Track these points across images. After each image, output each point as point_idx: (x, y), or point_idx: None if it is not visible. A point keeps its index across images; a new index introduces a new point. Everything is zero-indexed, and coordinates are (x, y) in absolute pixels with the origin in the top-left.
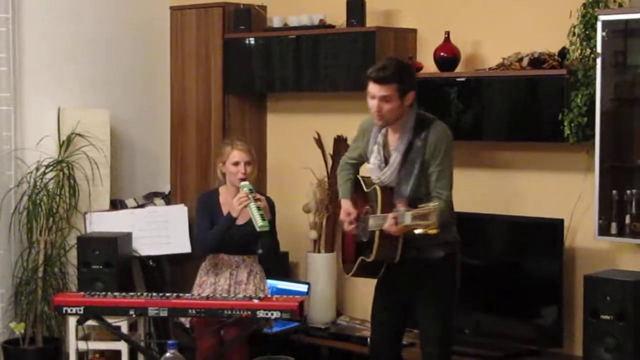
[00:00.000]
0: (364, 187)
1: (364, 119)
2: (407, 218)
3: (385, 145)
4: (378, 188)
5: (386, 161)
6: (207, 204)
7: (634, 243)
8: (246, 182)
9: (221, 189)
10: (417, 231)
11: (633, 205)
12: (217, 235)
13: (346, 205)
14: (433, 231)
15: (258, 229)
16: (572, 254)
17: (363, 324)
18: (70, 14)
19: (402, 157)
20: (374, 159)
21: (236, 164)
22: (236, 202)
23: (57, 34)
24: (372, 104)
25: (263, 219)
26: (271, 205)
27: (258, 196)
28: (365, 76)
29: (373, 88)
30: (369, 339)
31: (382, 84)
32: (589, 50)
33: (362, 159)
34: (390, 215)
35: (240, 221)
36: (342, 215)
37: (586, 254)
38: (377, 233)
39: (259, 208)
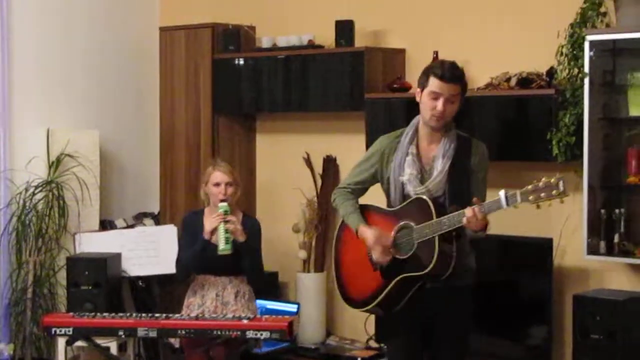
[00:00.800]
0: (384, 208)
1: (381, 140)
2: (518, 197)
3: (418, 156)
4: (427, 199)
5: (422, 171)
6: (190, 224)
7: (622, 262)
8: (224, 204)
9: (206, 210)
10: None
11: (621, 224)
12: (190, 258)
13: (373, 232)
14: (563, 197)
15: (218, 252)
16: (561, 273)
17: (352, 344)
18: (60, 35)
19: (449, 165)
20: (410, 169)
21: (217, 184)
22: (207, 224)
23: (47, 54)
24: (435, 104)
25: (226, 243)
26: (256, 227)
27: (229, 218)
28: (431, 73)
29: (441, 87)
30: None
31: (454, 83)
32: (576, 70)
33: (369, 184)
34: (468, 208)
35: (241, 239)
36: (373, 243)
37: (575, 273)
38: (436, 244)
39: (226, 231)
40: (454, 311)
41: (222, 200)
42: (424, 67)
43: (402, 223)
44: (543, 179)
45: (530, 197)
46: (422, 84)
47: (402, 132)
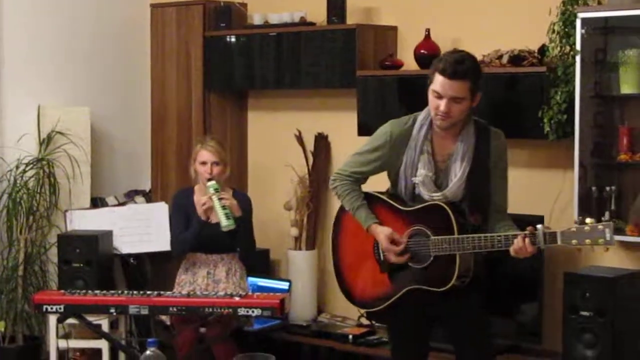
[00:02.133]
0: (395, 205)
1: (389, 126)
2: (558, 239)
3: (433, 154)
4: (448, 210)
5: (436, 172)
6: (180, 203)
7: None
8: (212, 182)
9: (196, 188)
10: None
11: (612, 202)
12: (188, 239)
13: (386, 232)
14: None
15: (223, 229)
16: (551, 250)
17: (344, 322)
18: (50, 11)
19: (468, 166)
20: (425, 170)
21: (203, 163)
22: (200, 205)
23: (37, 31)
24: (438, 103)
25: (228, 218)
26: (247, 202)
27: (223, 195)
28: (434, 67)
29: (444, 85)
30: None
31: (457, 80)
32: (568, 48)
33: (374, 174)
34: (521, 235)
35: (215, 220)
36: (386, 244)
37: (566, 250)
38: (457, 263)
39: (223, 207)
40: (468, 306)
41: (208, 179)
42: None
43: (415, 228)
44: (589, 222)
45: (573, 242)
46: (429, 78)
47: (414, 119)
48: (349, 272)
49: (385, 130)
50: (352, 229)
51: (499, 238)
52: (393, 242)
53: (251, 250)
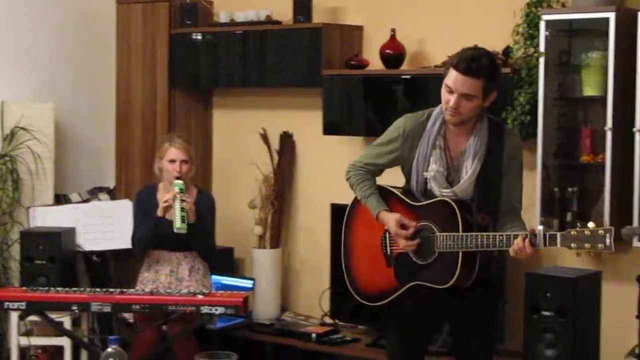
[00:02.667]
0: (406, 199)
1: (403, 120)
2: (558, 241)
3: (446, 149)
4: (454, 205)
5: (449, 168)
6: (143, 200)
7: None
8: (179, 181)
9: (160, 185)
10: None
11: (575, 203)
12: (144, 235)
13: (395, 216)
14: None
15: (175, 230)
16: None
17: (307, 320)
18: (15, 7)
19: (479, 165)
20: (437, 165)
21: (172, 161)
22: (161, 201)
23: (1, 26)
24: (449, 98)
25: (182, 222)
26: (211, 202)
27: (185, 198)
28: (450, 64)
29: (455, 80)
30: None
31: (470, 77)
32: (532, 50)
33: (387, 167)
34: (521, 235)
35: (192, 219)
36: (395, 229)
37: None
38: (460, 261)
39: (182, 209)
40: (475, 314)
41: (177, 178)
42: None
43: (422, 223)
44: (590, 226)
45: (573, 245)
46: (445, 71)
47: (429, 114)
48: (355, 266)
49: (398, 124)
50: (362, 222)
51: (500, 237)
52: (403, 227)
53: (209, 252)
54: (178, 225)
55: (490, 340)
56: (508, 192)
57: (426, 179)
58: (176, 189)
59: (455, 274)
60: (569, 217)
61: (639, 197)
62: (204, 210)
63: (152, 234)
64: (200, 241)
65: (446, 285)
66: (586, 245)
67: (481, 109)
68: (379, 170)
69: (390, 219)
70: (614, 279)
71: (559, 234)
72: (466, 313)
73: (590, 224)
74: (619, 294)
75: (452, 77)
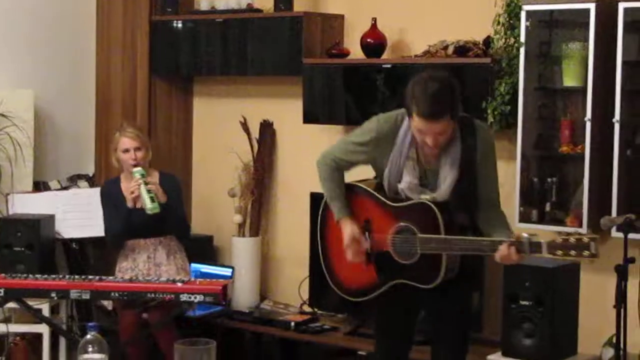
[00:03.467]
0: (383, 199)
1: (377, 122)
2: (544, 249)
3: (419, 160)
4: (435, 209)
5: (420, 177)
6: (108, 194)
7: (554, 230)
8: (138, 168)
9: (122, 176)
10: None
11: (553, 193)
12: (120, 229)
13: (352, 230)
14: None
15: (147, 212)
16: None
17: (286, 309)
18: None
19: (456, 171)
20: (410, 177)
21: (126, 151)
22: (128, 192)
23: None
24: (424, 138)
25: (152, 201)
26: (175, 183)
27: (149, 179)
28: (413, 104)
29: (425, 126)
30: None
31: (437, 120)
32: (513, 40)
33: (358, 165)
34: (506, 242)
35: (162, 199)
36: (348, 242)
37: None
38: (444, 263)
39: (149, 191)
40: (450, 304)
41: (134, 166)
42: (410, 82)
43: (402, 224)
44: (575, 235)
45: (558, 252)
46: (408, 108)
47: (402, 117)
48: (335, 261)
49: (371, 128)
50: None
51: (485, 243)
52: (355, 243)
53: (183, 232)
54: (149, 206)
55: (467, 328)
56: (485, 186)
57: (400, 188)
58: (137, 176)
59: (440, 275)
60: (548, 207)
61: (617, 187)
62: (170, 192)
63: (128, 227)
64: (173, 222)
65: (431, 285)
66: (572, 252)
67: (451, 136)
68: (349, 165)
69: (346, 232)
70: (592, 268)
71: (544, 243)
72: (443, 302)
73: (578, 231)
74: (597, 283)
75: (421, 124)
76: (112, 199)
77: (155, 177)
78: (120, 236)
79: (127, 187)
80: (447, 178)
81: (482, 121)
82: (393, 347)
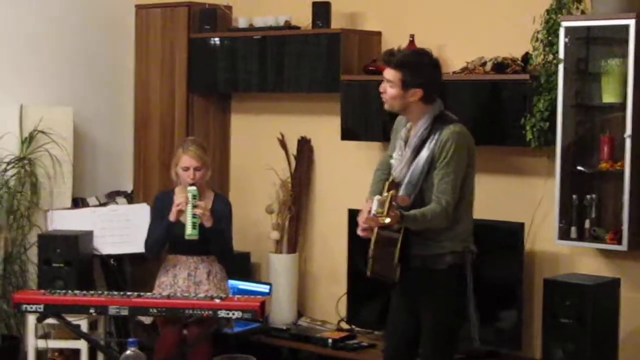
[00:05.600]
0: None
1: (398, 117)
2: (375, 204)
3: (406, 141)
4: (387, 184)
5: (402, 155)
6: (160, 204)
7: (593, 247)
8: (193, 187)
9: (177, 189)
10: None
11: (592, 210)
12: (156, 238)
13: (363, 205)
14: (383, 220)
15: (186, 237)
16: (532, 257)
17: (324, 325)
18: (35, 9)
19: (413, 154)
20: (396, 154)
21: (186, 169)
22: (174, 206)
23: (21, 29)
24: (381, 85)
25: (193, 228)
26: (227, 207)
27: (198, 203)
28: None
29: (384, 70)
30: (382, 350)
31: (387, 67)
32: (551, 56)
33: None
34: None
35: (207, 223)
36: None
37: (546, 257)
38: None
39: (194, 215)
40: (435, 295)
41: (191, 184)
42: None
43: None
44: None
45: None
46: None
47: None
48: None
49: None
50: None
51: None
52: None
53: (226, 257)
54: (189, 232)
55: (441, 322)
56: (435, 182)
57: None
58: (189, 196)
59: (370, 257)
60: (587, 224)
61: None
62: (220, 214)
63: (165, 239)
64: (217, 245)
65: (368, 274)
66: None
67: (405, 101)
68: (388, 157)
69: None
70: (633, 286)
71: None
72: (423, 313)
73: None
74: (638, 301)
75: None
76: (161, 210)
77: (210, 197)
78: (154, 246)
79: (176, 199)
80: (403, 158)
81: (518, 137)
82: (395, 339)
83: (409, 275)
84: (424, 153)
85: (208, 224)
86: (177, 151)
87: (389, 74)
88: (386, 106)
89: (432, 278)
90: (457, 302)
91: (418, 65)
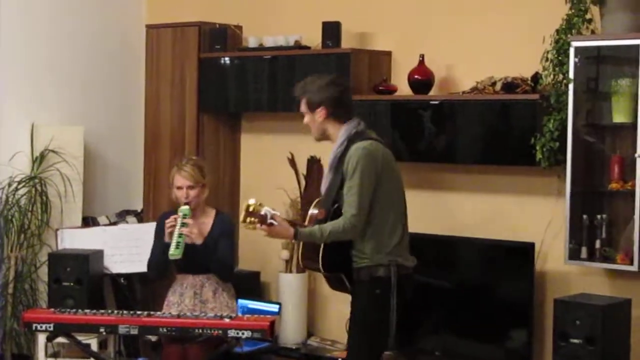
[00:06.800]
0: None
1: None
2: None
3: None
4: (315, 201)
5: None
6: (162, 224)
7: (603, 268)
8: (185, 207)
9: (180, 210)
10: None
11: (603, 230)
12: (156, 260)
13: None
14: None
15: (169, 256)
16: (542, 277)
17: (334, 345)
18: (46, 31)
19: (329, 171)
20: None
21: (179, 188)
22: (166, 226)
23: (33, 49)
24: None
25: (176, 247)
26: (228, 224)
27: (187, 221)
28: None
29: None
30: None
31: (298, 99)
32: (561, 76)
33: None
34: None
35: (198, 241)
36: None
37: (556, 277)
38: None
39: (180, 235)
40: (352, 307)
41: (185, 204)
42: None
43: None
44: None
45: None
46: None
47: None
48: None
49: None
50: None
51: None
52: None
53: (224, 274)
54: (171, 251)
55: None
56: (344, 194)
57: None
58: (180, 214)
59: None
60: (597, 244)
61: None
62: (220, 232)
63: (164, 259)
64: (213, 263)
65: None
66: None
67: (317, 123)
68: None
69: None
70: None
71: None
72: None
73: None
74: None
75: None
76: (162, 229)
77: (210, 215)
78: (155, 267)
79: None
80: (324, 176)
81: (528, 157)
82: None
83: (353, 287)
84: (339, 171)
85: (198, 240)
86: (172, 170)
87: (301, 106)
88: (313, 137)
89: (359, 289)
90: (376, 314)
91: (316, 86)
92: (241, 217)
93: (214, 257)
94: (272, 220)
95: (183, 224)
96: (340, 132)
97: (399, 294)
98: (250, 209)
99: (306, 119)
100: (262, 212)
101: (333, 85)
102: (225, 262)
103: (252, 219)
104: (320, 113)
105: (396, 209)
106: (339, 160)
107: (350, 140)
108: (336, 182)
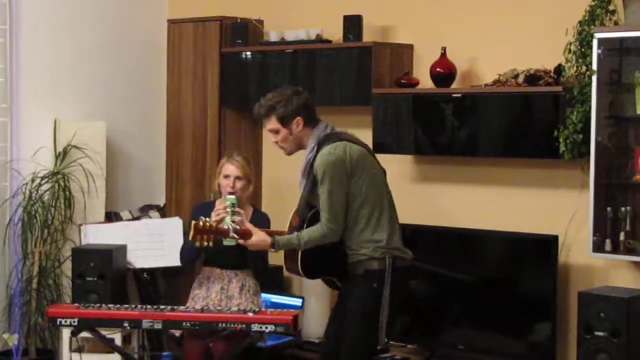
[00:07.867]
0: None
1: None
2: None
3: None
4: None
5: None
6: (198, 211)
7: (627, 260)
8: (232, 196)
9: (217, 202)
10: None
11: (627, 222)
12: (191, 250)
13: None
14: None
15: (224, 243)
16: (566, 270)
17: None
18: (69, 26)
19: (303, 177)
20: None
21: (227, 176)
22: (213, 215)
23: (55, 45)
24: (272, 140)
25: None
26: (266, 222)
27: (238, 210)
28: None
29: (263, 124)
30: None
31: (264, 119)
32: (584, 68)
33: None
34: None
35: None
36: None
37: (580, 270)
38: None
39: (232, 222)
40: (348, 301)
41: (230, 193)
42: None
43: None
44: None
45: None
46: None
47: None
48: None
49: None
50: None
51: None
52: None
53: (262, 269)
54: (227, 239)
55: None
56: (319, 199)
57: None
58: (228, 203)
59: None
60: (621, 236)
61: None
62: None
63: (199, 248)
64: (252, 259)
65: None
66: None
67: (295, 134)
68: None
69: None
70: None
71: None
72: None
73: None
74: None
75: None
76: (196, 220)
77: (248, 211)
78: (188, 254)
79: (217, 208)
80: (301, 186)
81: (552, 150)
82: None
83: (343, 282)
84: (312, 175)
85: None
86: (222, 160)
87: (268, 124)
88: (286, 153)
89: (352, 282)
90: (371, 305)
91: (283, 100)
92: (190, 235)
93: (254, 254)
94: (234, 225)
95: (234, 212)
96: (310, 140)
97: (394, 287)
98: (200, 225)
99: (279, 137)
100: (225, 227)
101: (297, 94)
102: (264, 258)
103: (203, 235)
104: (298, 123)
105: (378, 203)
106: (311, 166)
107: (320, 143)
108: (310, 188)
